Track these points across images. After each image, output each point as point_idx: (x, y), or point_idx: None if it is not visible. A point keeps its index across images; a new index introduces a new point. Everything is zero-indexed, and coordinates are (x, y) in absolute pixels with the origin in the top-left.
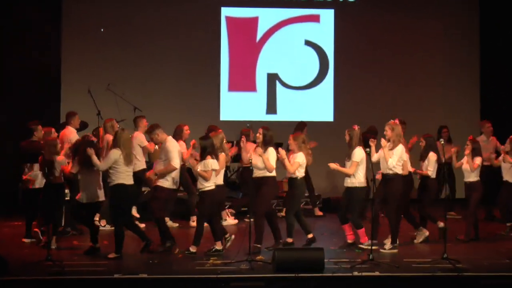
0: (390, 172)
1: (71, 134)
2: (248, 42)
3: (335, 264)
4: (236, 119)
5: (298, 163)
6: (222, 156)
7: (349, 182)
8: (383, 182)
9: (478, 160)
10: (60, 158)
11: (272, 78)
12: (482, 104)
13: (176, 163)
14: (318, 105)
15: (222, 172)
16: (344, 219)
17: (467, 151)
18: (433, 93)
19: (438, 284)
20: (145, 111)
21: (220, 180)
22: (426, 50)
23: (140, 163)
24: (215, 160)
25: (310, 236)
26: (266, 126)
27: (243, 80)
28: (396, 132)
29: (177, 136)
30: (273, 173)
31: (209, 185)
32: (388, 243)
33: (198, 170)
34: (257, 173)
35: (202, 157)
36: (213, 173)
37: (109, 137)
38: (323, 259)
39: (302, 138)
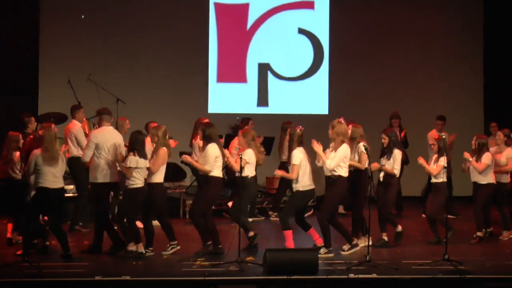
0: (334, 174)
1: (75, 128)
2: (238, 30)
3: (330, 266)
4: (225, 112)
5: (244, 160)
6: (162, 151)
7: (294, 186)
8: (326, 185)
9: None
10: (18, 154)
11: (264, 69)
12: (486, 99)
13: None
14: (312, 97)
15: (163, 169)
16: (303, 225)
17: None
18: (434, 86)
19: (439, 287)
20: (128, 103)
21: (158, 178)
22: (427, 41)
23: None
24: (137, 158)
25: (250, 234)
26: (207, 121)
27: (233, 71)
28: (337, 131)
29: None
30: (216, 173)
31: (133, 183)
32: (323, 249)
33: (122, 165)
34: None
35: (128, 153)
36: (141, 170)
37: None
38: (317, 260)
39: (251, 135)
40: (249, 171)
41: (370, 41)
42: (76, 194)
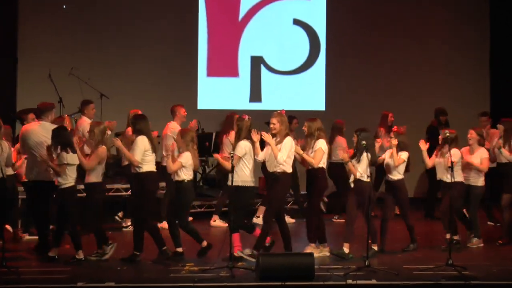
0: (278, 169)
1: (83, 124)
2: (229, 21)
3: (327, 271)
4: (215, 108)
5: (180, 163)
6: (101, 149)
7: (234, 181)
8: (268, 182)
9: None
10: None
11: (257, 62)
12: (492, 93)
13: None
14: (308, 92)
15: (100, 168)
16: (246, 226)
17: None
18: (437, 80)
19: None
20: (112, 99)
21: (93, 177)
22: (430, 33)
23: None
24: (67, 154)
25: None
26: (139, 114)
27: (224, 64)
28: (285, 124)
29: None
30: (147, 168)
31: (64, 182)
32: (248, 249)
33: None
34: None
35: (55, 149)
36: (72, 168)
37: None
38: (313, 265)
39: (191, 136)
40: (186, 175)
41: (370, 32)
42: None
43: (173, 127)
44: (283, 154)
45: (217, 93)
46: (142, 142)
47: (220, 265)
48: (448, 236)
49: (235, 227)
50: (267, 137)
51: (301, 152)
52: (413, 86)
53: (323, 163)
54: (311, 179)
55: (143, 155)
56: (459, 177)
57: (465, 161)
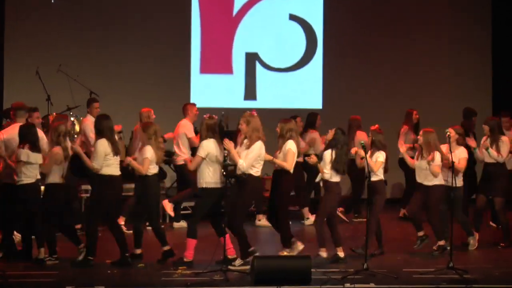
0: (242, 173)
1: (85, 123)
2: (223, 17)
3: (324, 275)
4: (209, 106)
5: (148, 160)
6: (54, 150)
7: (198, 183)
8: (236, 185)
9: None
10: None
11: (251, 59)
12: (494, 90)
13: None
14: (305, 90)
15: (59, 169)
16: (217, 229)
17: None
18: (438, 78)
19: None
20: (102, 97)
21: (52, 178)
22: (431, 29)
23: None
24: (28, 152)
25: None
26: (102, 114)
27: (217, 61)
28: (253, 126)
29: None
30: (108, 171)
31: (19, 179)
32: (238, 260)
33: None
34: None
35: (21, 146)
36: (31, 166)
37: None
38: (310, 268)
39: (154, 129)
40: (151, 169)
41: (369, 28)
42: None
43: (186, 124)
44: (246, 162)
45: (210, 91)
46: (102, 146)
47: (214, 268)
48: (442, 242)
49: (191, 232)
50: (226, 143)
51: (270, 158)
52: (413, 85)
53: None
54: (279, 181)
55: (104, 159)
56: (439, 180)
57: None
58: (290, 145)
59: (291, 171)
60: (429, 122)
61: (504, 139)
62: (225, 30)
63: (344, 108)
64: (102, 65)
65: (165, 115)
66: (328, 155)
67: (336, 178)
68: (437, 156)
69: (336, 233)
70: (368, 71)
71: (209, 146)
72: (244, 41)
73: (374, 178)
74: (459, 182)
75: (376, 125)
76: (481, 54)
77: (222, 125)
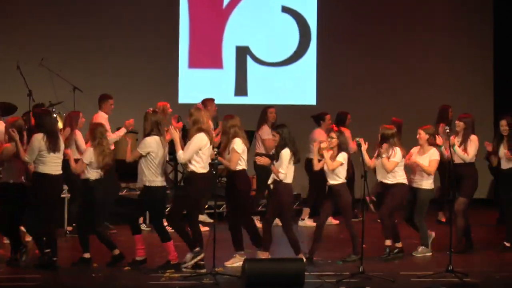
0: (186, 170)
1: (99, 119)
2: (213, 9)
3: (318, 278)
4: (197, 102)
5: (81, 160)
6: (4, 147)
7: (142, 181)
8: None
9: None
10: None
11: (242, 52)
12: (496, 86)
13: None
14: (298, 86)
15: (14, 167)
16: (160, 233)
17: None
18: (437, 73)
19: None
20: (86, 92)
21: (5, 176)
22: (430, 21)
23: None
24: None
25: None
26: (43, 109)
27: (207, 55)
28: (194, 119)
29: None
30: (43, 169)
31: None
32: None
33: None
34: None
35: None
36: None
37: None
38: (304, 271)
39: (100, 131)
40: (89, 173)
41: (365, 21)
42: None
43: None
44: (186, 153)
45: (199, 86)
46: (36, 141)
47: (203, 271)
48: (388, 242)
49: (133, 229)
50: (171, 131)
51: (213, 155)
52: (412, 79)
53: (244, 165)
54: (233, 181)
55: (38, 155)
56: (400, 178)
57: (412, 162)
58: (234, 144)
59: (233, 169)
60: (426, 118)
61: (473, 138)
62: (215, 22)
63: (339, 104)
64: (86, 59)
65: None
66: (287, 154)
67: (289, 180)
68: (398, 153)
69: (293, 239)
70: (365, 66)
71: (151, 144)
72: (234, 34)
73: (335, 182)
74: (428, 184)
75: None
76: (481, 48)
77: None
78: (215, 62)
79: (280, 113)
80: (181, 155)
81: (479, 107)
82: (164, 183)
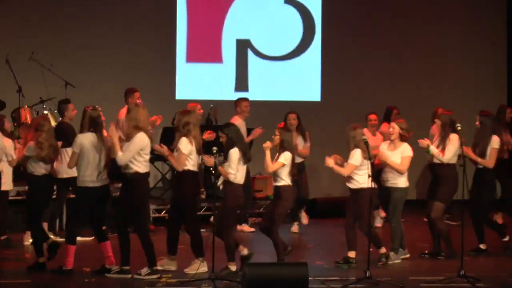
0: (129, 170)
1: (123, 115)
2: (212, 0)
3: (323, 284)
4: (195, 98)
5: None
6: None
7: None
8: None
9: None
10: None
11: (243, 46)
12: (509, 79)
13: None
14: (301, 81)
15: None
16: (97, 234)
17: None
18: (449, 69)
19: None
20: (79, 88)
21: None
22: (441, 13)
23: None
24: None
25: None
26: None
27: (206, 49)
28: (130, 116)
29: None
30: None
31: None
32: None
33: None
34: None
35: None
36: None
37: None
38: (307, 277)
39: (40, 123)
40: (33, 168)
41: (372, 12)
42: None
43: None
44: (125, 154)
45: (197, 81)
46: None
47: (201, 276)
48: (383, 250)
49: (67, 236)
50: (111, 131)
51: (166, 154)
52: (422, 74)
53: (192, 165)
54: (181, 182)
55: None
56: (364, 183)
57: (382, 158)
58: (180, 144)
59: (180, 169)
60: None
61: (453, 137)
62: (214, 14)
63: (344, 100)
64: (78, 53)
65: (147, 107)
66: (236, 153)
67: (239, 180)
68: (356, 154)
69: (230, 245)
70: (372, 60)
71: (83, 140)
72: (235, 26)
73: (278, 183)
74: (403, 183)
75: (282, 123)
76: (493, 41)
77: (211, 119)
78: (215, 56)
79: (282, 110)
80: (121, 156)
81: (492, 102)
82: (97, 184)
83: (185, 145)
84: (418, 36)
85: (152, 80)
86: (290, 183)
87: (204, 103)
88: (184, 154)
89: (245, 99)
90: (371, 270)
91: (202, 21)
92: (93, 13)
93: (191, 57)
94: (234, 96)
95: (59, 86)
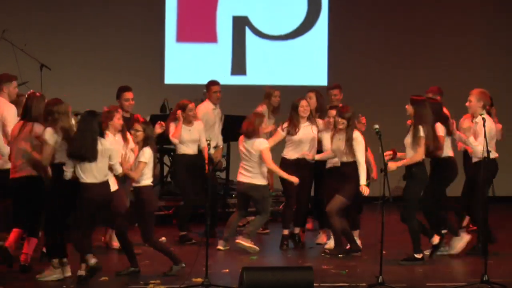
0: None
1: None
2: None
3: None
4: (187, 83)
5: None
6: None
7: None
8: None
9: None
10: None
11: (240, 24)
12: None
13: None
14: (306, 63)
15: None
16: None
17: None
18: (472, 50)
19: None
20: (55, 70)
21: None
22: None
23: None
24: None
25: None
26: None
27: (198, 27)
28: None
29: None
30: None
31: None
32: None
33: None
34: None
35: None
36: None
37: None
38: (312, 282)
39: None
40: None
41: None
42: None
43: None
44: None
45: (189, 64)
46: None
47: (192, 283)
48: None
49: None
50: None
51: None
52: (437, 57)
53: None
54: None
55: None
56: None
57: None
58: (46, 135)
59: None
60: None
61: (356, 136)
62: None
63: (353, 84)
64: (54, 32)
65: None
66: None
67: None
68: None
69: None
70: (384, 40)
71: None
72: (231, 2)
73: (137, 184)
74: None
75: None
76: None
77: None
78: (208, 35)
79: (284, 96)
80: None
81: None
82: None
83: (50, 136)
84: (435, 16)
85: (138, 62)
86: (152, 184)
87: (195, 88)
88: (51, 145)
89: (216, 83)
90: (384, 274)
91: None
92: None
93: (182, 36)
94: (231, 80)
95: (33, 69)
